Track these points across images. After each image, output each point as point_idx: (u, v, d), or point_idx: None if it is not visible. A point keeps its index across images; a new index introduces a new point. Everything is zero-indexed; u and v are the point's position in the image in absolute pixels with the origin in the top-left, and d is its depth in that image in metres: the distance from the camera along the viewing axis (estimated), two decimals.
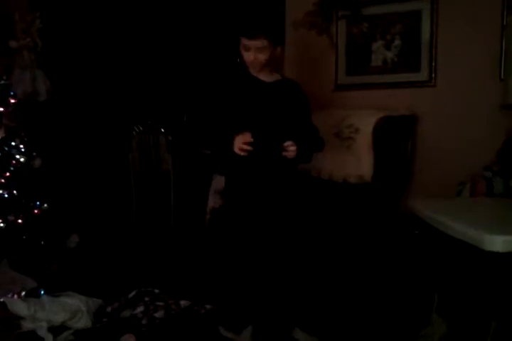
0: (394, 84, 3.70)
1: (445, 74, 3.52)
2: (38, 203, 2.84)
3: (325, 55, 3.89)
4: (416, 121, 3.54)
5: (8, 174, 2.73)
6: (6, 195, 2.69)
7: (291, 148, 2.36)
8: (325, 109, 3.55)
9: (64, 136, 4.17)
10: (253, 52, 2.41)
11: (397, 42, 3.74)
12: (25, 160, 2.84)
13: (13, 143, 2.83)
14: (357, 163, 3.24)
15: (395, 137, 3.39)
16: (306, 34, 3.86)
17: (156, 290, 3.00)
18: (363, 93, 3.76)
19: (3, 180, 2.71)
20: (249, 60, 2.45)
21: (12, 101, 2.91)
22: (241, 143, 2.31)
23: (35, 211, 2.80)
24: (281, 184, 2.48)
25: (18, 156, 2.82)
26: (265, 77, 2.54)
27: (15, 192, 2.74)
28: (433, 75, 3.58)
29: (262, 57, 2.43)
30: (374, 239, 3.05)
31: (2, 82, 2.92)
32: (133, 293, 2.94)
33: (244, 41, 2.42)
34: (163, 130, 4.14)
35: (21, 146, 2.86)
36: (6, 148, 2.79)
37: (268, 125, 2.43)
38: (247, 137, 2.31)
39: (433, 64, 3.57)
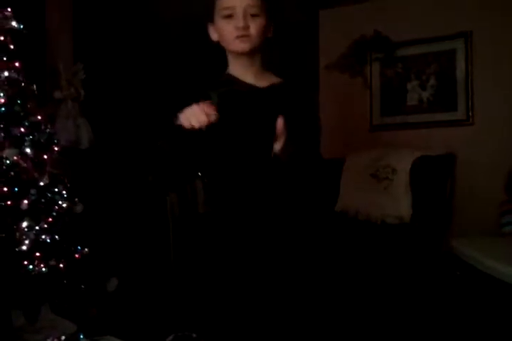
0: (430, 124, 3.69)
1: (483, 112, 3.51)
2: (79, 248, 2.89)
3: (359, 96, 3.92)
4: (454, 159, 3.50)
5: (50, 219, 2.80)
6: (49, 240, 2.75)
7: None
8: (361, 150, 3.55)
9: (104, 181, 4.27)
10: (243, 16, 1.53)
11: (432, 81, 3.75)
12: (68, 206, 2.90)
13: (56, 190, 2.90)
14: (395, 203, 3.21)
15: (433, 176, 3.36)
16: (339, 76, 3.92)
17: (194, 335, 2.98)
18: (399, 133, 3.76)
19: (46, 226, 2.77)
20: (234, 31, 1.54)
21: (56, 148, 3.00)
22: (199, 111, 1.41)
23: (76, 255, 2.85)
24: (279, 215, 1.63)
25: (60, 202, 2.89)
26: (255, 78, 1.63)
27: (57, 237, 2.80)
28: (470, 113, 3.57)
29: (256, 27, 1.55)
30: (414, 280, 2.97)
31: (47, 130, 3.02)
32: (170, 338, 2.92)
33: (225, 1, 1.55)
34: (199, 174, 4.19)
35: (64, 192, 2.93)
36: (50, 195, 2.86)
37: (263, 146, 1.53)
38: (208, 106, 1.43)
39: (470, 102, 3.56)
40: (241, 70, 1.63)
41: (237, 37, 1.55)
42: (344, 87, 3.95)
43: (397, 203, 3.21)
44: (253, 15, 1.55)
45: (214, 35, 1.63)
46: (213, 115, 1.42)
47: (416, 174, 3.24)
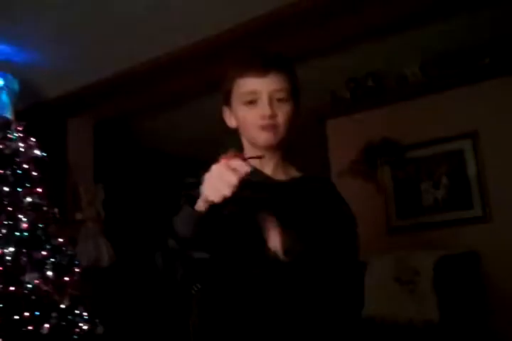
0: (448, 223, 3.67)
1: (500, 207, 3.49)
2: None
3: (374, 200, 3.95)
4: (478, 257, 3.44)
5: None
6: None
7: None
8: (380, 254, 3.52)
9: (125, 298, 4.24)
10: (268, 103, 1.30)
11: (444, 181, 3.79)
12: (88, 328, 2.87)
13: (76, 312, 2.89)
14: (421, 306, 3.11)
15: (459, 276, 3.29)
16: (352, 182, 3.98)
17: None
18: (418, 234, 3.73)
19: None
20: (259, 120, 1.32)
21: (77, 270, 3.03)
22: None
23: None
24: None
25: (81, 324, 2.87)
26: (273, 171, 1.40)
27: None
28: (487, 210, 3.55)
29: (283, 115, 1.32)
30: None
31: (68, 252, 3.07)
32: None
33: (249, 83, 1.33)
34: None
35: (85, 314, 2.92)
36: (70, 317, 2.85)
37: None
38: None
39: (485, 199, 3.57)
40: (259, 162, 1.37)
41: (262, 127, 1.32)
42: (358, 192, 3.97)
43: (424, 306, 3.11)
44: (279, 100, 1.32)
45: (231, 121, 1.41)
46: (244, 167, 1.12)
47: (440, 274, 3.18)
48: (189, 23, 3.22)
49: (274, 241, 1.23)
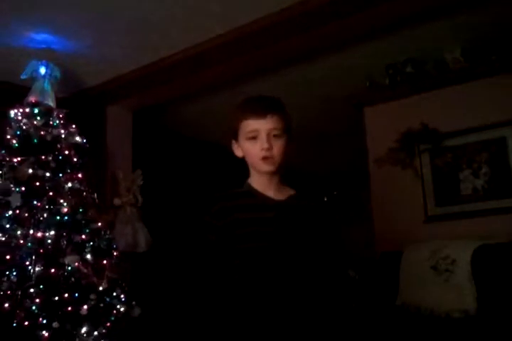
0: (488, 212, 3.59)
1: None
2: None
3: (412, 188, 3.90)
4: None
5: (109, 324, 2.83)
6: None
7: None
8: (418, 242, 3.48)
9: (161, 283, 4.31)
10: (267, 139, 1.68)
11: (485, 169, 3.71)
12: (125, 310, 2.94)
13: (114, 294, 2.96)
14: (458, 296, 3.07)
15: (498, 266, 3.22)
16: (389, 169, 3.94)
17: None
18: (456, 222, 3.67)
19: (104, 331, 2.80)
20: (260, 152, 1.70)
21: (115, 253, 3.10)
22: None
23: None
24: None
25: (118, 306, 2.94)
26: (274, 192, 1.77)
27: None
28: None
29: (278, 148, 1.70)
30: None
31: (106, 236, 3.14)
32: None
33: (251, 124, 1.70)
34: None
35: (122, 296, 2.99)
36: (108, 299, 2.92)
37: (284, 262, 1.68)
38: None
39: None
40: (263, 185, 1.77)
41: (262, 158, 1.70)
42: (396, 180, 3.95)
43: (461, 296, 3.06)
44: (275, 136, 1.70)
45: (238, 152, 1.79)
46: None
47: (478, 264, 3.12)
48: (227, 11, 3.22)
49: None
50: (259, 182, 1.77)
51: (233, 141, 1.80)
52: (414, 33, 3.66)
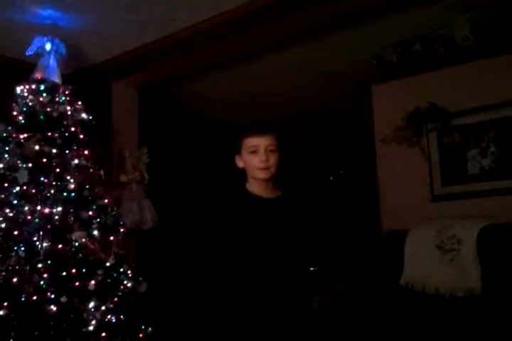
0: (495, 191, 3.58)
1: None
2: (143, 327, 2.92)
3: (418, 167, 3.88)
4: None
5: (116, 299, 2.86)
6: (114, 320, 2.80)
7: None
8: (424, 221, 3.48)
9: (167, 259, 4.34)
10: (264, 153, 2.10)
11: (492, 149, 3.68)
12: (132, 286, 2.97)
13: (121, 270, 2.98)
14: (463, 275, 3.08)
15: (503, 246, 3.22)
16: (396, 148, 3.92)
17: None
18: (463, 202, 3.65)
19: (111, 306, 2.83)
20: (258, 164, 2.12)
21: (121, 230, 3.12)
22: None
23: (140, 335, 2.87)
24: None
25: (125, 282, 2.96)
26: (268, 193, 2.21)
27: (122, 317, 2.84)
28: None
29: (273, 160, 2.12)
30: None
31: (113, 213, 3.15)
32: None
33: (252, 141, 2.12)
34: None
35: (129, 272, 3.01)
36: (115, 275, 2.94)
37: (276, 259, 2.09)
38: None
39: None
40: (259, 189, 2.19)
41: (260, 168, 2.12)
42: (402, 159, 3.93)
43: (466, 275, 3.07)
44: (271, 151, 2.12)
45: (240, 164, 2.20)
46: None
47: (484, 244, 3.13)
48: None
49: None
50: (256, 186, 2.18)
51: (236, 156, 2.19)
52: (423, 10, 3.60)
